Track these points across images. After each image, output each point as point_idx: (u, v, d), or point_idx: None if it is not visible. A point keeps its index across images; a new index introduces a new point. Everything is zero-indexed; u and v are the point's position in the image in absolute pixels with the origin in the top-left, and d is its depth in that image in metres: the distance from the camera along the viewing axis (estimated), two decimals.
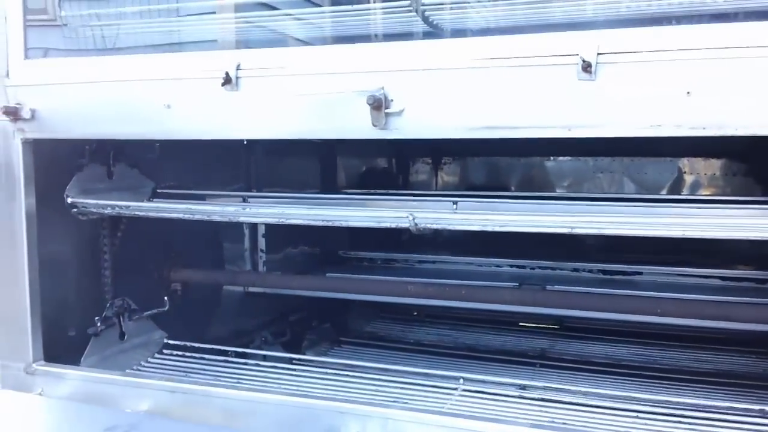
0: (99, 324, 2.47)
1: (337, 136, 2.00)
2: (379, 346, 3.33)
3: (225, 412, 2.12)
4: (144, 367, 2.51)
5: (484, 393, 2.21)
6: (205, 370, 2.45)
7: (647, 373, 2.80)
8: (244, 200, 2.66)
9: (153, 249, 2.73)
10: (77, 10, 2.58)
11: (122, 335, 2.58)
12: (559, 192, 3.91)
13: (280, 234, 3.33)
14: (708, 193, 3.70)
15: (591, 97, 1.64)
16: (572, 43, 1.65)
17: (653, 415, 2.04)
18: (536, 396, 2.19)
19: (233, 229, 3.22)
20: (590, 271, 3.27)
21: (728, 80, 1.54)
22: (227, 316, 3.10)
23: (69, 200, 2.38)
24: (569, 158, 3.90)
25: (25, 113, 2.22)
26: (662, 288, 2.93)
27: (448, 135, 1.81)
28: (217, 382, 2.30)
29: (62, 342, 2.39)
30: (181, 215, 2.37)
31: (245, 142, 2.76)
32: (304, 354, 3.09)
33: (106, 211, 2.42)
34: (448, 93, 1.79)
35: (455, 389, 2.24)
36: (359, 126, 1.86)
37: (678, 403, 2.13)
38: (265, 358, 2.67)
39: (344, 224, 2.22)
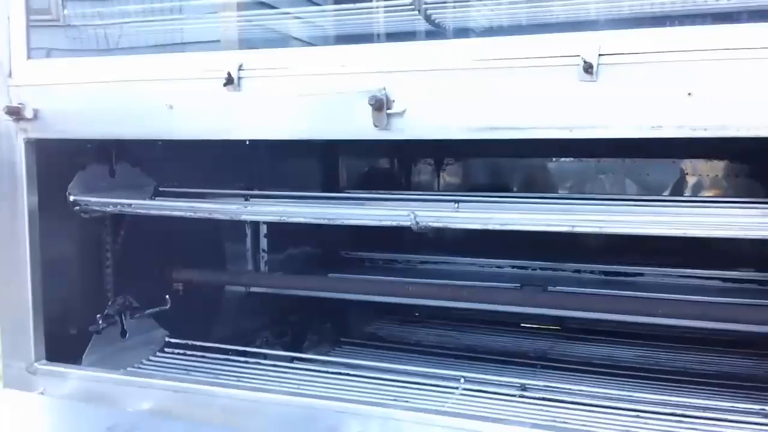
0: (100, 322, 2.47)
1: (339, 136, 2.00)
2: (380, 346, 3.33)
3: (226, 412, 2.12)
4: (145, 365, 2.51)
5: (485, 392, 2.21)
6: (206, 368, 2.45)
7: (649, 375, 2.80)
8: (246, 199, 2.67)
9: (155, 249, 2.74)
10: (80, 10, 2.59)
11: (124, 333, 2.58)
12: (561, 193, 3.90)
13: (282, 234, 3.33)
14: (710, 194, 3.70)
15: (592, 98, 1.65)
16: (573, 45, 1.65)
17: (654, 414, 2.03)
18: (537, 395, 2.19)
19: (235, 229, 3.22)
20: (592, 272, 3.27)
21: (730, 81, 1.54)
22: (228, 316, 3.10)
23: (71, 198, 2.38)
24: (571, 159, 3.90)
25: (28, 113, 2.23)
26: (663, 289, 2.93)
27: (449, 136, 1.81)
28: (218, 381, 2.30)
29: (64, 340, 2.40)
30: (183, 213, 2.38)
31: (247, 143, 2.76)
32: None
33: (108, 209, 2.43)
34: (449, 94, 1.79)
35: (456, 388, 2.24)
36: (361, 127, 1.86)
37: (679, 403, 2.13)
38: (266, 357, 2.67)
39: (345, 222, 2.22)
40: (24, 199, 2.27)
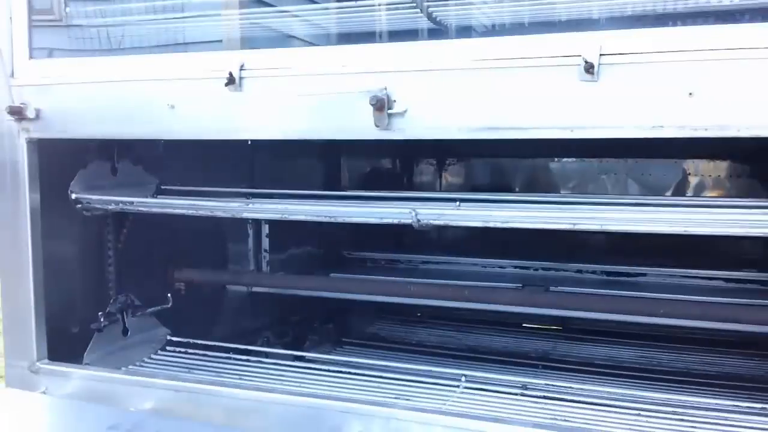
0: (102, 320, 2.48)
1: (340, 136, 2.00)
2: (382, 347, 3.33)
3: (228, 411, 2.12)
4: (147, 363, 2.52)
5: (486, 391, 2.21)
6: (207, 366, 2.45)
7: (651, 375, 2.79)
8: (248, 198, 2.66)
9: (157, 248, 2.74)
10: (82, 8, 2.60)
11: (125, 331, 2.59)
12: (563, 193, 3.90)
13: (283, 234, 3.34)
14: (712, 194, 3.69)
15: (593, 98, 1.65)
16: (574, 44, 1.65)
17: (655, 413, 2.03)
18: (538, 393, 2.19)
19: (237, 228, 3.22)
20: (593, 272, 3.27)
21: (730, 81, 1.54)
22: (230, 316, 3.11)
23: (73, 196, 2.39)
24: (573, 160, 3.89)
25: (30, 113, 2.23)
26: (666, 289, 2.93)
27: (450, 136, 1.82)
28: (220, 380, 2.30)
29: (65, 338, 2.40)
30: (184, 211, 2.38)
31: (249, 143, 2.77)
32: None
33: (110, 207, 2.43)
34: (450, 94, 1.79)
35: (457, 386, 2.24)
36: (362, 127, 1.86)
37: (680, 401, 2.12)
38: (267, 355, 2.67)
39: (347, 220, 2.21)
40: (26, 199, 2.28)
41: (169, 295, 2.74)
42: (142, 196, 2.52)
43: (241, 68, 1.99)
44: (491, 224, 2.00)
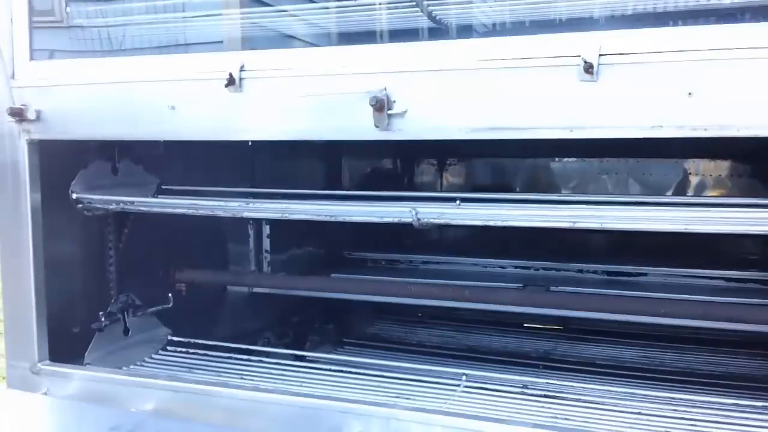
0: (103, 319, 2.48)
1: (340, 137, 2.01)
2: (382, 347, 3.33)
3: (229, 412, 2.13)
4: (147, 363, 2.52)
5: (487, 390, 2.21)
6: (208, 366, 2.46)
7: (652, 375, 2.79)
8: (249, 197, 2.66)
9: (158, 248, 2.75)
10: (84, 11, 2.60)
11: (126, 331, 2.59)
12: (563, 193, 3.90)
13: (284, 235, 3.34)
14: (713, 194, 3.69)
15: (593, 98, 1.65)
16: (574, 45, 1.65)
17: (656, 412, 2.03)
18: (539, 392, 2.19)
19: (238, 229, 3.23)
20: (594, 272, 3.26)
21: (730, 81, 1.54)
22: (231, 316, 3.11)
23: (74, 196, 2.39)
24: (574, 160, 3.89)
25: (31, 114, 2.24)
26: (667, 289, 2.92)
27: (450, 136, 1.82)
28: (221, 379, 2.30)
29: (66, 339, 2.41)
30: (185, 210, 2.38)
31: (250, 143, 2.77)
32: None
33: (110, 207, 2.43)
34: (450, 94, 1.79)
35: (458, 386, 2.24)
36: (362, 127, 1.87)
37: (681, 400, 2.12)
38: (268, 355, 2.67)
39: (347, 219, 2.21)
40: (27, 200, 2.28)
41: (170, 294, 2.74)
42: (142, 195, 2.52)
43: (241, 69, 1.99)
44: (491, 223, 2.00)
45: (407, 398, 2.14)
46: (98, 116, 2.20)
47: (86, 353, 2.44)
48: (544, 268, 3.33)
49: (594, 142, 1.73)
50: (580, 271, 3.27)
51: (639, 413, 2.02)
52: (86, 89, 2.21)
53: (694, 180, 3.69)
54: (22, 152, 2.27)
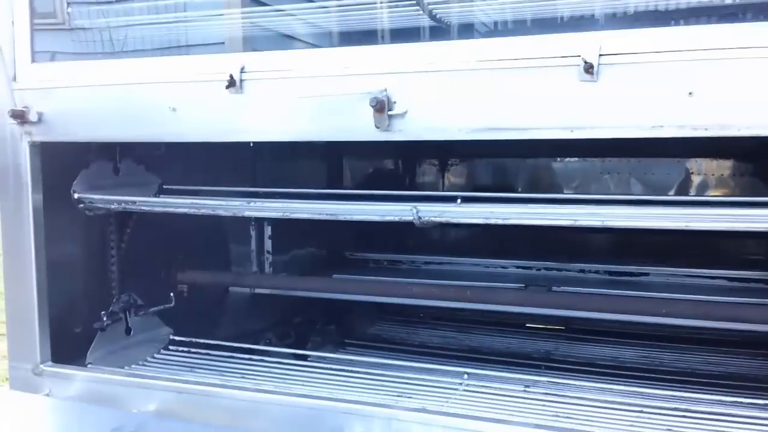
0: (105, 319, 2.49)
1: (341, 138, 2.01)
2: (384, 348, 3.33)
3: (231, 412, 2.13)
4: (149, 362, 2.52)
5: (488, 388, 2.21)
6: (210, 366, 2.46)
7: (654, 375, 2.79)
8: (250, 197, 2.66)
9: (160, 249, 2.75)
10: (85, 13, 2.61)
11: (128, 330, 2.59)
12: (565, 193, 3.90)
13: (286, 235, 3.34)
14: (716, 193, 3.69)
15: (593, 98, 1.64)
16: (574, 45, 1.65)
17: (658, 410, 2.02)
18: (540, 390, 2.18)
19: (240, 230, 3.23)
20: (596, 272, 3.26)
21: (730, 81, 1.54)
22: (232, 317, 3.11)
23: (76, 195, 2.39)
24: (575, 159, 3.89)
25: (32, 116, 2.24)
26: (669, 289, 2.92)
27: (450, 137, 1.82)
28: (223, 379, 2.30)
29: (69, 340, 2.41)
30: (186, 210, 2.38)
31: (251, 144, 2.77)
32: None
33: (112, 206, 2.44)
34: (450, 95, 1.79)
35: (459, 384, 2.24)
36: (362, 128, 1.87)
37: (682, 398, 2.12)
38: (270, 355, 2.67)
39: (348, 218, 2.21)
40: (29, 202, 2.28)
41: (171, 294, 2.74)
42: (144, 195, 2.53)
43: (242, 71, 1.99)
44: (492, 221, 2.00)
45: (409, 397, 2.14)
46: (99, 118, 2.20)
47: (88, 353, 2.44)
48: (545, 269, 3.32)
49: (596, 142, 1.73)
50: (582, 271, 3.27)
51: (641, 411, 2.02)
52: (87, 91, 2.21)
53: (696, 179, 3.68)
54: (24, 154, 2.28)
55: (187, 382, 2.27)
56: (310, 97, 1.92)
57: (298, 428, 2.04)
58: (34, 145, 2.28)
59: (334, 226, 2.48)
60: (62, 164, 2.36)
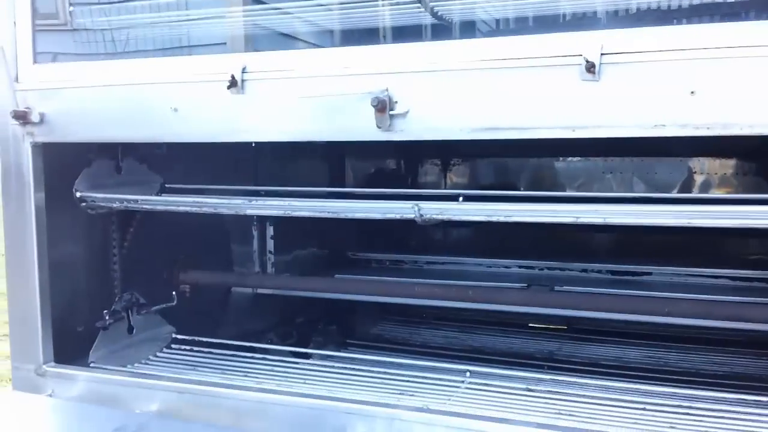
0: (107, 318, 2.49)
1: (342, 138, 2.01)
2: (386, 348, 3.33)
3: (233, 412, 2.13)
4: (152, 361, 2.53)
5: (491, 386, 2.20)
6: (212, 365, 2.46)
7: (657, 375, 2.78)
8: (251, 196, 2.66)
9: (162, 249, 2.75)
10: (87, 13, 2.61)
11: (130, 329, 2.60)
12: (568, 192, 3.90)
13: (288, 235, 3.34)
14: (719, 192, 3.68)
15: (595, 97, 1.64)
16: (575, 44, 1.65)
17: (661, 407, 2.02)
18: (543, 388, 2.18)
19: (242, 230, 3.23)
20: (599, 271, 3.26)
21: (733, 79, 1.53)
22: (234, 317, 3.11)
23: (78, 194, 2.40)
24: (578, 159, 3.89)
25: (34, 117, 2.25)
26: (672, 289, 2.91)
27: (452, 136, 1.81)
28: (225, 378, 2.30)
29: (71, 340, 2.41)
30: (188, 208, 2.38)
31: (253, 144, 2.78)
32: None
33: (114, 205, 2.44)
34: (452, 94, 1.79)
35: (462, 382, 2.23)
36: (364, 128, 1.87)
37: (685, 395, 2.11)
38: (272, 353, 2.67)
39: (350, 216, 2.21)
40: (31, 202, 2.29)
41: (174, 293, 2.74)
42: (146, 194, 2.53)
43: (243, 71, 1.99)
44: (494, 218, 1.99)
45: (411, 396, 2.14)
46: (101, 119, 2.21)
47: (91, 352, 2.45)
48: (548, 268, 3.32)
49: (598, 142, 1.72)
50: (585, 270, 3.26)
51: (643, 409, 2.01)
52: (89, 92, 2.21)
53: (698, 178, 3.67)
54: (26, 155, 2.28)
55: (189, 381, 2.27)
56: (312, 97, 1.92)
57: (301, 427, 2.04)
58: (36, 146, 2.28)
59: (336, 226, 2.48)
60: (64, 164, 2.36)
